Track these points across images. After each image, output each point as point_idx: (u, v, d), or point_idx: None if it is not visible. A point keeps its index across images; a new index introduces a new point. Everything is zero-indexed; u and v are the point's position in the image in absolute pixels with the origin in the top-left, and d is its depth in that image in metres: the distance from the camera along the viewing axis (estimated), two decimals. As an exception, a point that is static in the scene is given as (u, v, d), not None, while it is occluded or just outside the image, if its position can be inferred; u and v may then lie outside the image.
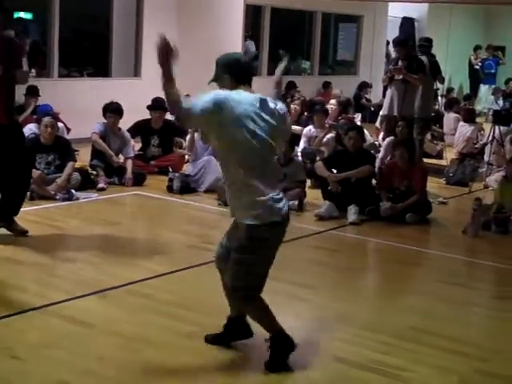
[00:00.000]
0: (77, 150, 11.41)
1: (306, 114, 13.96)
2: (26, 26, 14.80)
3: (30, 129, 10.24)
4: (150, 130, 11.32)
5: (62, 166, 9.43)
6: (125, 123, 10.88)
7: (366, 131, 11.15)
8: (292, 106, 14.41)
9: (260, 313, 4.75)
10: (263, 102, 4.57)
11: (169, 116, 12.05)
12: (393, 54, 14.59)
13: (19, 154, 7.34)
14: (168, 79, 4.43)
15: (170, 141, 11.54)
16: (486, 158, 12.03)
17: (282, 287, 6.37)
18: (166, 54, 4.38)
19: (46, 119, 9.51)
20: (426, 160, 12.30)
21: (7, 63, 7.05)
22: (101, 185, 9.93)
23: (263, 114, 4.52)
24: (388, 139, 11.20)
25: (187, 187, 10.04)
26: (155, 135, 11.30)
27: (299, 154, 11.61)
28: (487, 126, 13.36)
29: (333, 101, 14.48)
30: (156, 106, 11.41)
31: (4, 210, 7.45)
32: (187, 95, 14.55)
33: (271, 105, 4.62)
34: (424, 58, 11.75)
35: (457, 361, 5.04)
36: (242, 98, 4.48)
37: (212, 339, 5.05)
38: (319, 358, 5.02)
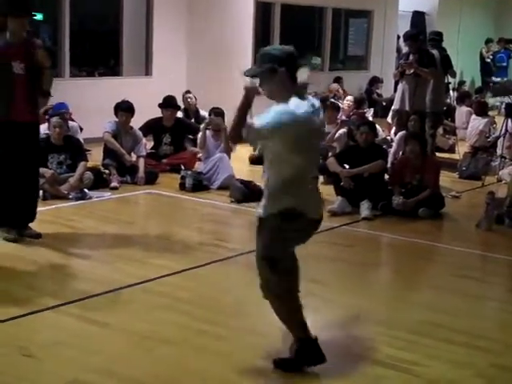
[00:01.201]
0: (89, 150, 11.43)
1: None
2: (36, 26, 14.81)
3: (43, 129, 10.26)
4: (161, 128, 11.33)
5: (73, 166, 9.46)
6: (136, 122, 10.90)
7: (377, 126, 11.14)
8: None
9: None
10: (313, 107, 4.44)
11: (180, 114, 12.10)
12: (404, 49, 14.55)
13: (35, 154, 7.40)
14: (244, 113, 4.28)
15: (182, 139, 11.56)
16: (498, 151, 11.99)
17: (295, 283, 6.39)
18: (253, 93, 4.29)
19: (54, 120, 9.56)
20: (438, 154, 12.28)
21: (30, 63, 7.10)
22: (113, 184, 9.96)
23: (317, 121, 4.46)
24: (400, 134, 11.17)
25: (199, 185, 10.05)
26: (167, 133, 11.31)
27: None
28: (500, 119, 13.31)
29: (349, 97, 14.49)
30: (167, 104, 11.44)
31: (17, 215, 7.47)
32: (188, 91, 14.42)
33: (317, 105, 4.52)
34: (435, 52, 11.73)
35: (472, 355, 5.03)
36: (304, 113, 4.32)
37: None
38: (333, 353, 5.02)
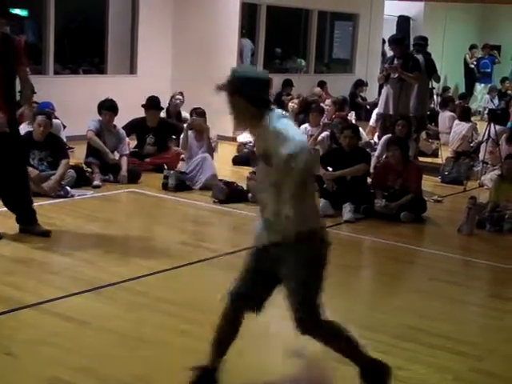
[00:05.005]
0: (72, 148, 11.40)
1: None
2: (21, 22, 14.76)
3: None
4: (145, 128, 11.27)
5: (54, 163, 9.40)
6: (120, 120, 10.86)
7: (361, 129, 11.16)
8: (290, 105, 14.41)
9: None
10: None
11: (162, 114, 12.07)
12: (388, 53, 14.59)
13: (17, 152, 7.37)
14: None
15: (166, 139, 11.50)
16: (480, 156, 12.02)
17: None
18: None
19: (40, 118, 9.48)
20: (421, 158, 12.31)
21: (6, 61, 7.06)
22: (96, 182, 9.92)
23: None
24: (384, 137, 11.19)
25: (182, 184, 10.03)
26: (151, 134, 11.25)
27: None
28: (482, 125, 13.36)
29: (328, 101, 14.50)
30: (150, 105, 11.36)
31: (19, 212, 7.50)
32: (180, 93, 14.37)
33: None
34: (420, 57, 11.77)
35: (452, 359, 5.04)
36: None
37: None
38: (314, 355, 5.02)
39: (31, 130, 9.57)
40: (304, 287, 4.15)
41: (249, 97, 3.94)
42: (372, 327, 5.53)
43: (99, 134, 10.47)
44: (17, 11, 14.15)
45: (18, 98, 7.71)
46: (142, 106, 11.37)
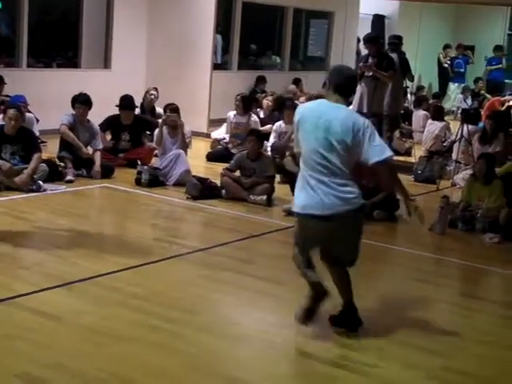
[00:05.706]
0: (45, 142, 11.32)
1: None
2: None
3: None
4: (120, 126, 11.23)
5: (26, 157, 9.33)
6: (94, 115, 10.79)
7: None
8: (264, 102, 14.40)
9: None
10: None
11: (138, 110, 12.03)
12: (363, 51, 14.63)
13: None
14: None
15: (140, 135, 11.45)
16: (453, 156, 12.09)
17: (249, 282, 6.39)
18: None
19: (11, 112, 9.39)
20: (394, 157, 12.32)
21: None
22: (69, 177, 9.86)
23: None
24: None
25: (156, 180, 10.00)
26: (126, 131, 11.22)
27: (269, 149, 11.62)
28: (456, 125, 13.42)
29: (302, 98, 14.52)
30: (124, 105, 11.32)
31: None
32: (155, 88, 14.26)
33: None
34: (394, 56, 11.81)
35: (424, 357, 5.06)
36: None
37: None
38: (286, 353, 5.03)
39: (3, 124, 9.50)
40: None
41: (332, 83, 5.36)
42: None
43: (72, 128, 10.39)
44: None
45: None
46: (117, 106, 11.32)
